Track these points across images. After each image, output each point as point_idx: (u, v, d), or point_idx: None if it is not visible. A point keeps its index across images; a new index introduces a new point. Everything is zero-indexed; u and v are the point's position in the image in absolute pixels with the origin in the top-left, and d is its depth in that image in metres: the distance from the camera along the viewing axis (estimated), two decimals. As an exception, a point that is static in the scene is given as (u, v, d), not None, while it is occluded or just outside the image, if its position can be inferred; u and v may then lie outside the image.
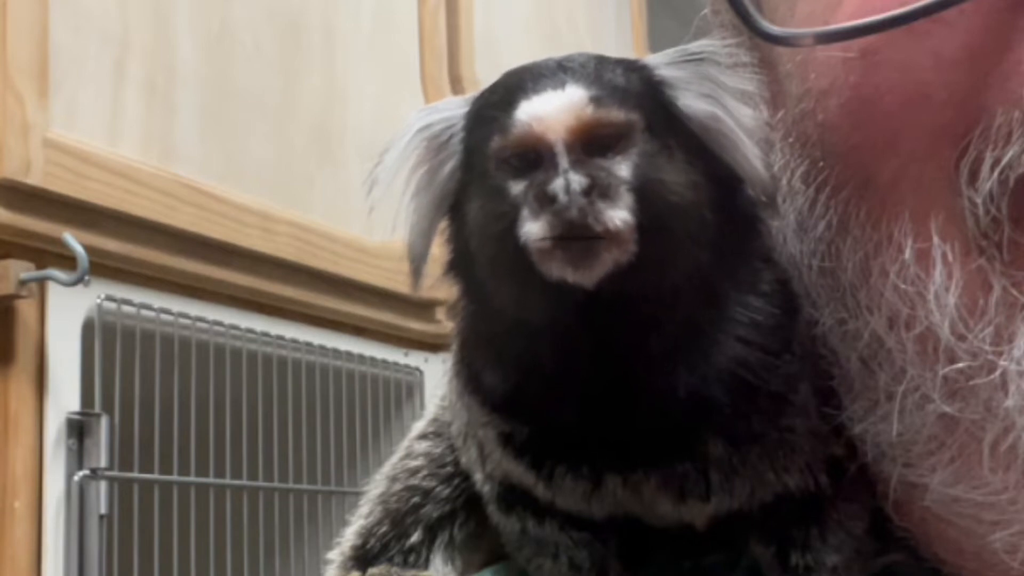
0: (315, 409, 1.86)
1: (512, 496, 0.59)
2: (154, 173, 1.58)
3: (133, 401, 1.52)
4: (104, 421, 1.46)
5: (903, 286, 0.52)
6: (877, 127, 0.52)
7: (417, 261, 0.56)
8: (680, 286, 0.52)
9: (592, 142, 0.49)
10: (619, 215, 0.48)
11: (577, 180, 0.48)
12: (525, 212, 0.49)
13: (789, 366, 0.54)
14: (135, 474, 1.52)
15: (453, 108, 0.55)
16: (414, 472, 0.66)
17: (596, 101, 0.50)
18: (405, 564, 0.65)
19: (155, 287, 1.60)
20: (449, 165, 0.54)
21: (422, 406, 2.00)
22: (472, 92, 0.56)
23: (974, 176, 0.50)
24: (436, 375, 2.03)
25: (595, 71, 0.51)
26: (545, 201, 0.48)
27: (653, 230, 0.49)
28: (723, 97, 0.53)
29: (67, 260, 1.43)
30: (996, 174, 0.49)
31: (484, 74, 2.14)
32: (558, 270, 0.49)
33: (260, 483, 1.75)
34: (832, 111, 0.54)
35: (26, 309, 1.42)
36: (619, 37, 2.76)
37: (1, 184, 1.38)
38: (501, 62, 0.72)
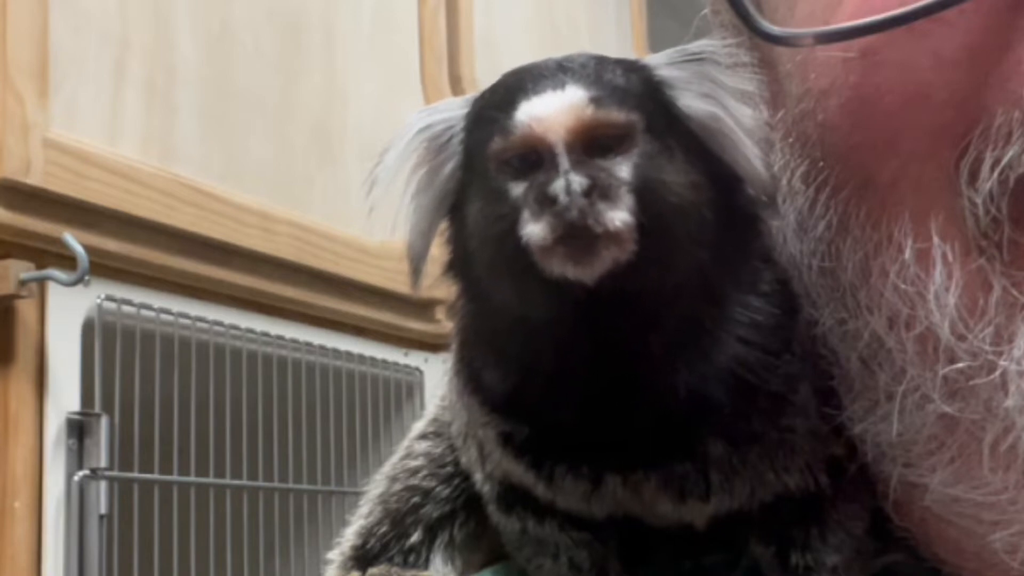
0: (315, 409, 1.86)
1: (512, 496, 0.59)
2: (154, 173, 1.58)
3: (133, 401, 1.52)
4: (104, 421, 1.46)
5: (903, 286, 0.52)
6: (877, 127, 0.52)
7: (417, 261, 0.56)
8: (680, 286, 0.52)
9: (592, 143, 0.49)
10: (619, 216, 0.48)
11: (578, 181, 0.48)
12: (526, 214, 0.49)
13: (789, 366, 0.54)
14: (135, 474, 1.52)
15: (453, 109, 0.55)
16: (414, 472, 0.66)
17: (596, 102, 0.50)
18: (405, 564, 0.65)
19: (155, 287, 1.60)
20: (449, 166, 0.54)
21: (422, 406, 2.00)
22: (472, 92, 0.55)
23: (974, 176, 0.50)
24: (436, 375, 2.02)
25: (595, 71, 0.51)
26: (546, 202, 0.48)
27: (653, 230, 0.49)
28: (723, 97, 0.52)
29: (67, 260, 1.43)
30: (996, 174, 0.49)
31: (484, 74, 2.14)
32: (559, 267, 0.49)
33: (260, 483, 1.75)
34: (832, 111, 0.54)
35: (26, 309, 1.42)
36: (619, 37, 2.76)
37: (1, 184, 1.38)
38: (501, 62, 0.72)
